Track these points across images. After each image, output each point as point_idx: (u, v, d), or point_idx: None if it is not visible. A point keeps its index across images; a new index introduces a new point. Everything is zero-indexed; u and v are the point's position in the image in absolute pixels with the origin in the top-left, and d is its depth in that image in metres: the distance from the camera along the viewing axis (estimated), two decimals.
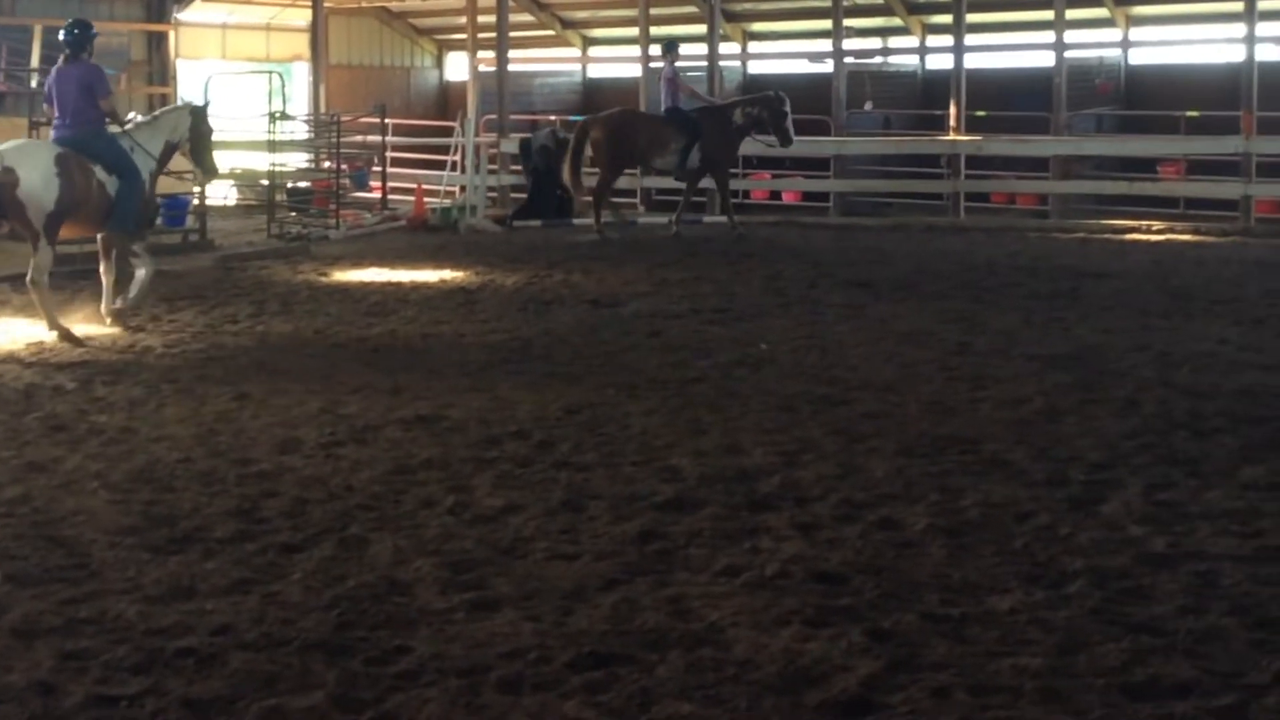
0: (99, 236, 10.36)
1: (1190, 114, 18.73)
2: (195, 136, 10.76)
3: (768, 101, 17.16)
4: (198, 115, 10.89)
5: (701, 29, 22.51)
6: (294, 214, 17.64)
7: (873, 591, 4.72)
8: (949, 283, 12.44)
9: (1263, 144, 17.65)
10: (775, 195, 21.61)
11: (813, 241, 16.20)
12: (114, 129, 10.30)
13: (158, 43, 21.63)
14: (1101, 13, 21.69)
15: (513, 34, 22.58)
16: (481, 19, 22.63)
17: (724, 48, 22.89)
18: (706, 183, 17.59)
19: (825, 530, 5.41)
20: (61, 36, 10.40)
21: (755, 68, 24.52)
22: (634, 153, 17.17)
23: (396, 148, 21.92)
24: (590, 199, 17.14)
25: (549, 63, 26.16)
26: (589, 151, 17.03)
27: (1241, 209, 17.49)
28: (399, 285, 12.61)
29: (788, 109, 17.00)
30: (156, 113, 11.35)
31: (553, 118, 21.70)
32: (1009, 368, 8.54)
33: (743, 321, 10.47)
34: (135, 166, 10.17)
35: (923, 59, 23.73)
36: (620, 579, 4.85)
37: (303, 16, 23.13)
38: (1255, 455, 6.33)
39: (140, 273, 10.36)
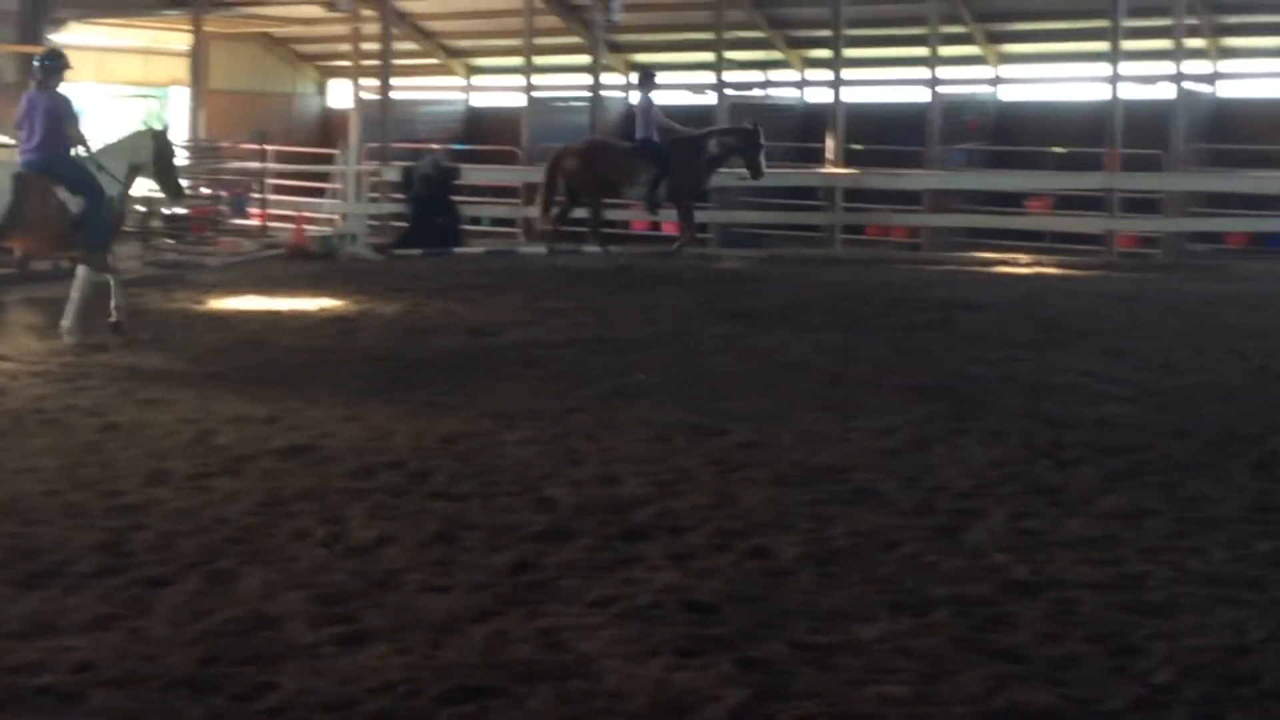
0: (72, 255, 11.00)
1: (1057, 150, 19.22)
2: (158, 159, 11.26)
3: (744, 133, 17.32)
4: (160, 138, 11.52)
5: (586, 60, 22.62)
6: (170, 241, 17.38)
7: (744, 621, 4.76)
8: (824, 314, 12.63)
9: (1125, 180, 18.19)
10: (656, 226, 21.75)
11: (689, 272, 16.31)
12: (80, 152, 10.75)
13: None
14: (974, 50, 22.21)
15: (396, 62, 22.52)
16: (365, 46, 22.53)
17: (608, 79, 23.03)
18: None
19: (698, 560, 5.46)
20: (35, 64, 11.12)
21: (638, 99, 24.66)
22: (606, 181, 17.24)
23: (277, 174, 21.70)
24: (550, 228, 17.32)
25: (433, 91, 26.10)
26: (561, 181, 17.15)
27: (1105, 243, 18.01)
28: (277, 314, 12.47)
29: (762, 140, 17.17)
30: (120, 137, 11.64)
31: (435, 146, 21.65)
32: (880, 398, 8.69)
33: (621, 352, 10.52)
34: (100, 187, 10.64)
35: (802, 93, 24.09)
36: (493, 611, 4.84)
37: (182, 41, 22.84)
38: (1114, 485, 6.51)
39: (114, 284, 10.76)
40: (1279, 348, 10.66)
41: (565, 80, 24.52)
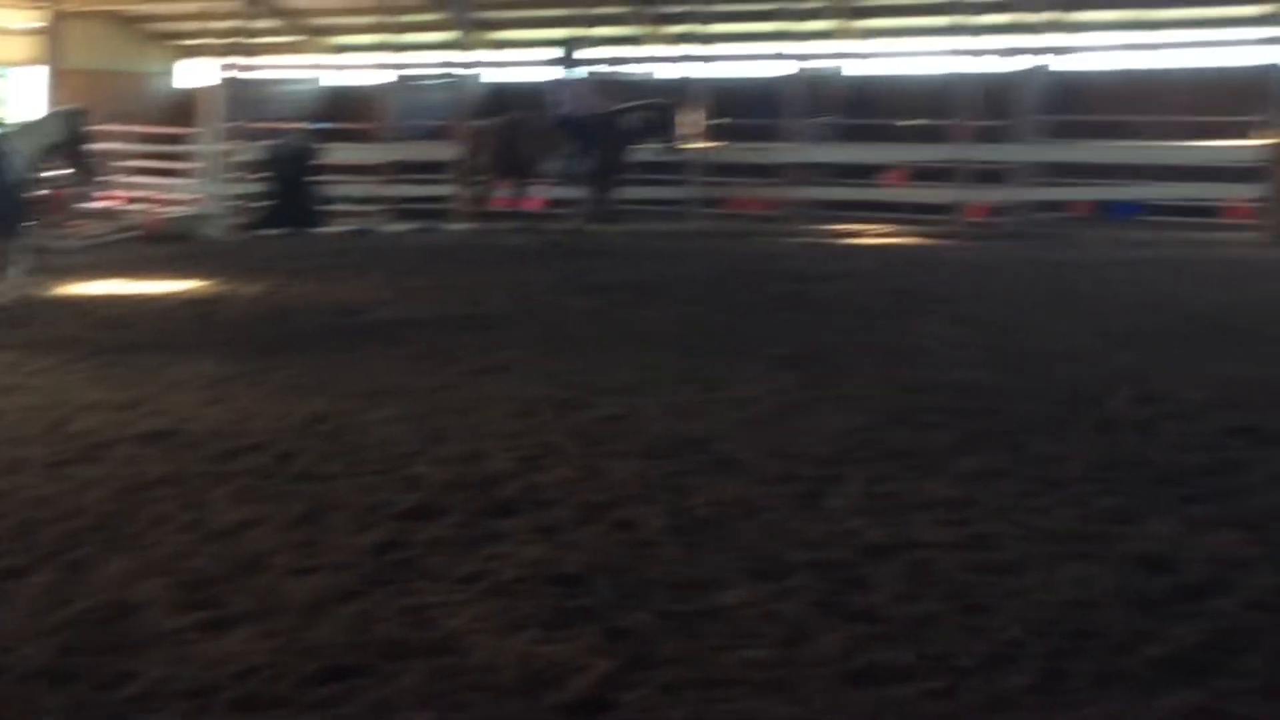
0: None
1: (910, 123, 19.58)
2: (72, 140, 11.25)
3: (656, 106, 17.35)
4: (74, 119, 11.48)
5: (448, 37, 22.47)
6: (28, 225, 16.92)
7: (610, 592, 4.83)
8: (688, 287, 12.75)
9: (974, 151, 18.63)
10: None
11: (552, 248, 16.34)
12: None
13: None
14: (832, 25, 22.50)
15: (255, 40, 22.16)
16: (223, 24, 22.11)
17: (473, 56, 22.91)
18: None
19: (564, 533, 5.51)
20: None
21: (504, 77, 24.62)
22: (525, 158, 17.17)
23: (134, 156, 21.23)
24: (484, 207, 17.25)
25: (292, 70, 25.72)
26: (482, 157, 17.07)
27: (955, 213, 18.44)
28: (134, 297, 12.25)
29: (674, 114, 17.23)
30: (33, 118, 11.55)
31: (296, 125, 21.36)
32: (742, 368, 8.82)
33: (487, 328, 10.53)
34: (3, 169, 10.65)
35: (664, 69, 24.19)
36: (360, 590, 4.85)
37: (27, 19, 22.19)
38: (968, 447, 6.69)
39: (18, 269, 10.83)
40: (1120, 311, 11.04)
41: (428, 58, 24.37)
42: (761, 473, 6.33)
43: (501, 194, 17.68)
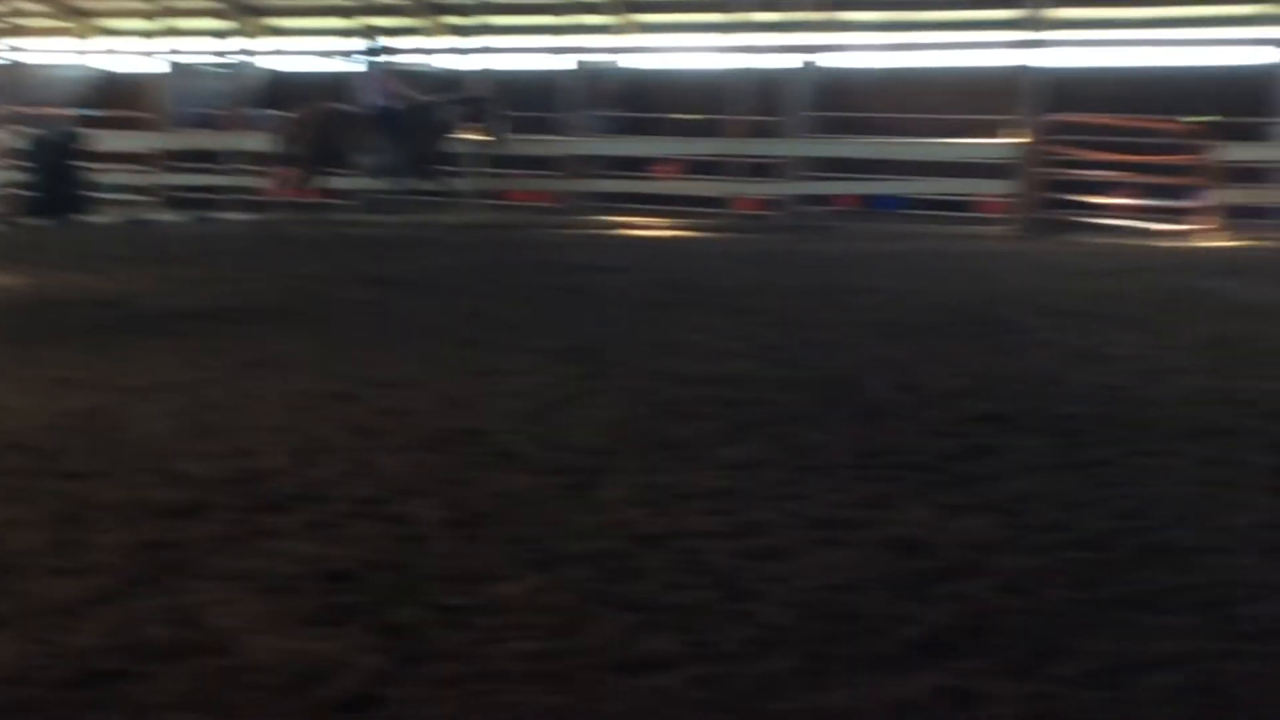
0: None
1: (686, 117, 19.93)
2: None
3: (475, 98, 17.11)
4: None
5: (223, 25, 21.95)
6: None
7: (384, 587, 4.84)
8: (466, 279, 12.76)
9: (746, 145, 19.07)
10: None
11: (331, 239, 16.14)
12: None
13: None
14: (610, 19, 22.70)
15: (18, 21, 21.24)
16: None
17: (249, 45, 22.42)
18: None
19: (338, 529, 5.48)
20: None
21: (282, 66, 24.16)
22: (338, 149, 16.74)
23: None
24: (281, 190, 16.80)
25: (63, 55, 24.76)
26: (296, 147, 16.57)
27: (728, 206, 18.86)
28: None
29: (486, 104, 17.00)
30: None
31: (63, 112, 20.58)
32: (518, 360, 8.88)
33: (258, 321, 10.35)
34: None
35: (447, 60, 24.09)
36: (124, 591, 4.74)
37: None
38: (736, 437, 6.89)
39: None
40: (882, 304, 11.45)
41: (203, 45, 23.78)
42: (537, 464, 6.40)
43: (310, 184, 17.39)
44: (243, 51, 21.77)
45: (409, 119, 17.14)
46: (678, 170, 20.41)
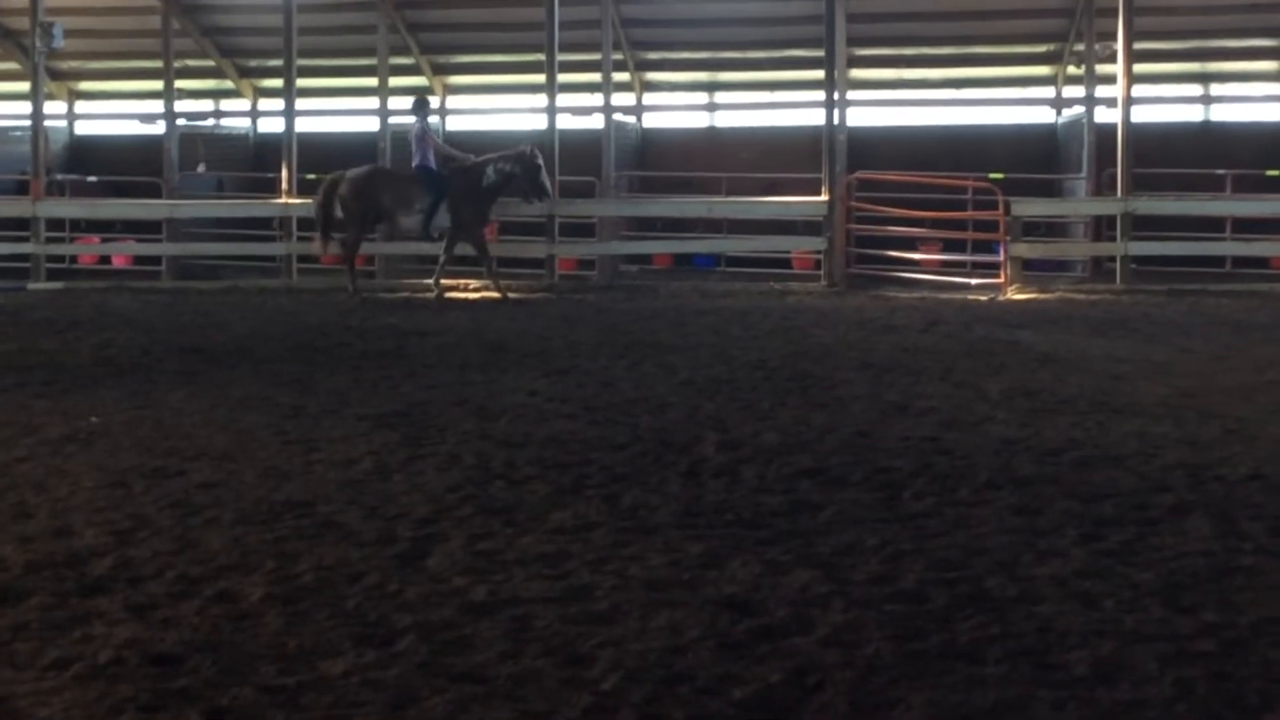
0: None
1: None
2: None
3: (520, 158, 16.79)
4: None
5: (23, 86, 21.41)
6: None
7: (210, 669, 4.74)
8: (282, 345, 12.61)
9: (565, 206, 19.24)
10: (105, 260, 20.87)
11: (145, 307, 15.79)
12: None
13: None
14: (421, 81, 22.74)
15: None
16: None
17: (50, 107, 21.89)
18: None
19: (160, 610, 5.36)
20: None
21: (84, 128, 23.65)
22: (379, 211, 16.39)
23: None
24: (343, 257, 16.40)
25: None
26: (337, 210, 16.18)
27: (547, 267, 18.96)
28: None
29: (540, 163, 16.75)
30: None
31: None
32: (341, 428, 8.80)
33: (72, 393, 10.07)
34: None
35: (255, 122, 23.85)
36: None
37: None
38: (562, 500, 6.93)
39: None
40: (702, 361, 11.64)
41: (7, 109, 23.29)
42: (363, 535, 6.35)
43: (352, 249, 17.09)
44: (45, 115, 21.21)
45: (456, 180, 16.96)
46: (493, 231, 20.49)
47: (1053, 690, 4.44)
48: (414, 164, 17.43)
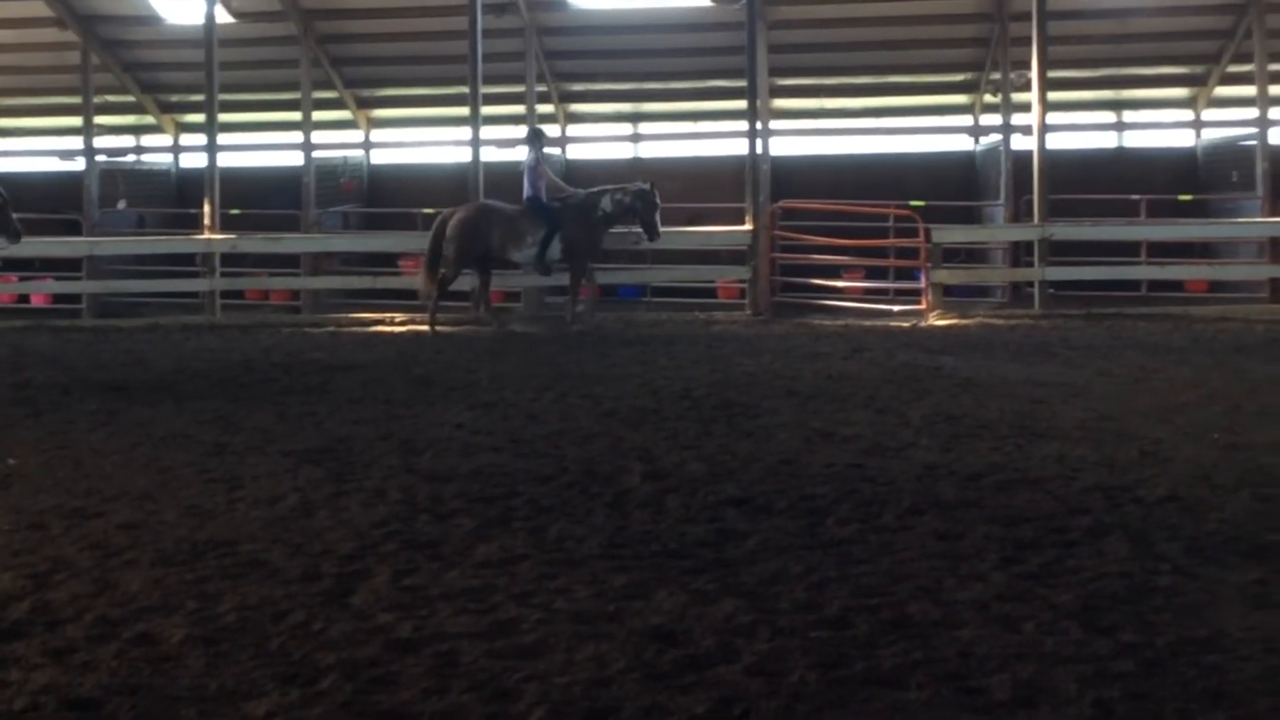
0: None
1: (427, 211, 19.99)
2: None
3: (640, 192, 16.58)
4: None
5: None
6: None
7: (129, 714, 4.68)
8: (206, 382, 12.48)
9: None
10: (23, 298, 20.59)
11: (65, 346, 15.58)
12: None
13: None
14: (345, 115, 22.69)
15: None
16: None
17: None
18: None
19: (79, 653, 5.29)
20: None
21: (1, 166, 23.38)
22: (490, 246, 16.13)
23: None
24: (434, 297, 16.49)
25: None
26: (444, 247, 16.02)
27: (474, 299, 18.88)
28: None
29: (658, 200, 16.57)
30: None
31: None
32: (265, 465, 8.73)
33: None
34: None
35: (177, 157, 23.68)
36: None
37: None
38: (488, 534, 6.90)
39: None
40: (626, 391, 11.66)
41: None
42: (287, 573, 6.29)
43: (444, 285, 16.91)
44: None
45: (566, 213, 16.78)
46: (418, 264, 20.44)
47: (975, 715, 4.49)
48: (525, 196, 17.28)
